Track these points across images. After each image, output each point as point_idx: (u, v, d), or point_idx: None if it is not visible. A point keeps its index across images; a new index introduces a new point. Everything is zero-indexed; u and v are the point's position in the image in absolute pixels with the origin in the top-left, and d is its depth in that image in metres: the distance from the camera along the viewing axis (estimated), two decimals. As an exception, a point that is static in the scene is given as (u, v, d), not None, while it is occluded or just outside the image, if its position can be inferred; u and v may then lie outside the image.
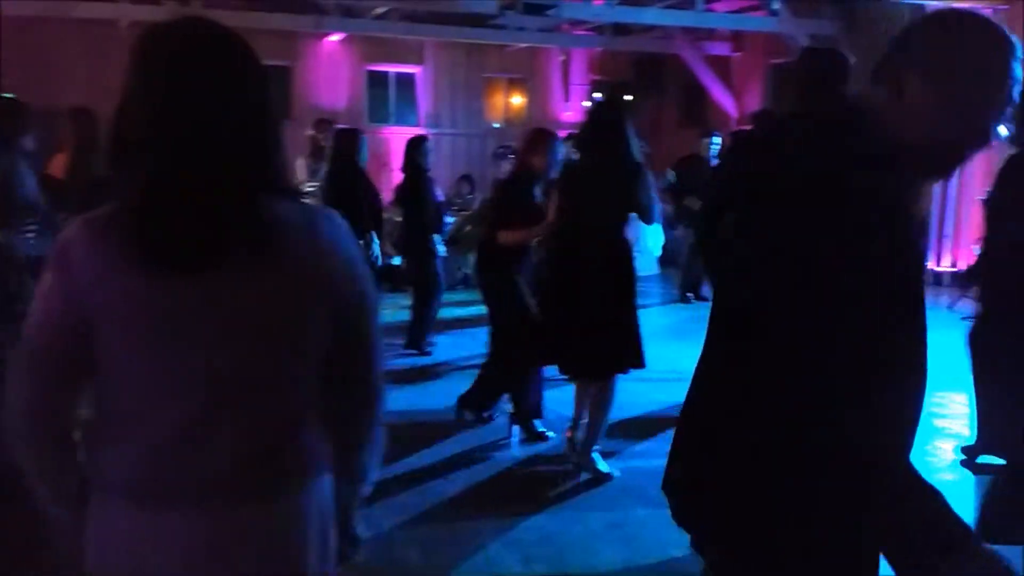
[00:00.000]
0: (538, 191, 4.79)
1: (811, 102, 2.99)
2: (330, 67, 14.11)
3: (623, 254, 4.21)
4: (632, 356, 4.19)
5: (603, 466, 4.35)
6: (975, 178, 9.55)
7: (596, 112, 4.60)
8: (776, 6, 11.68)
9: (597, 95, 15.96)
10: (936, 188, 10.46)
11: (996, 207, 4.22)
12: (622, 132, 4.11)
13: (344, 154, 6.11)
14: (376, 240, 6.12)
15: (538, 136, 4.88)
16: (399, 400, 5.53)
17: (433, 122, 14.28)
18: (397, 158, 7.47)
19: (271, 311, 1.34)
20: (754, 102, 13.92)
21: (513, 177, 4.90)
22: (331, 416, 1.47)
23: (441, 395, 5.54)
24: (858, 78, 10.59)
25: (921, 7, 10.07)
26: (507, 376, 4.94)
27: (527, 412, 4.80)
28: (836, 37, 12.46)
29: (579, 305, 4.15)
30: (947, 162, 1.46)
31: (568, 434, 4.49)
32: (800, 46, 12.20)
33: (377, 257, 6.15)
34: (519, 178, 4.80)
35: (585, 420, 4.39)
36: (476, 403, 5.06)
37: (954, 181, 10.17)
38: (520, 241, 4.72)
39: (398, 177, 7.40)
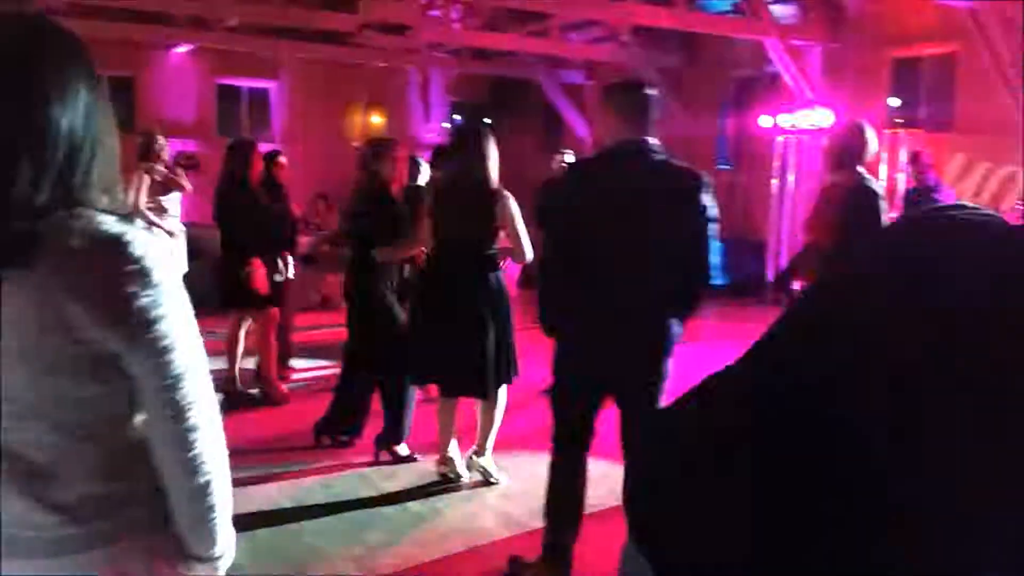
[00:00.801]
0: (398, 198, 4.80)
1: (625, 133, 3.14)
2: (177, 79, 13.57)
3: (491, 271, 4.24)
4: (508, 368, 4.26)
5: (494, 471, 4.40)
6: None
7: (457, 133, 4.65)
8: (625, 38, 12.14)
9: (457, 117, 16.10)
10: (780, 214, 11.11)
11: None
12: (482, 153, 4.16)
13: (234, 169, 5.84)
14: (259, 266, 5.70)
15: (378, 146, 4.88)
16: (251, 426, 5.36)
17: (289, 138, 13.96)
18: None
19: (23, 335, 1.17)
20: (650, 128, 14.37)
21: (368, 190, 4.79)
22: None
23: (296, 418, 5.41)
24: (695, 107, 11.04)
25: (760, 44, 10.73)
26: (363, 398, 4.86)
27: (396, 435, 4.72)
28: (680, 69, 13.09)
29: (453, 324, 4.14)
30: None
31: (440, 460, 4.45)
32: (647, 75, 12.75)
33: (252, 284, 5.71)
34: (373, 191, 4.74)
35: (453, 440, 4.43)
36: (334, 427, 4.94)
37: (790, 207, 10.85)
38: (396, 258, 4.67)
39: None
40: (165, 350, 1.22)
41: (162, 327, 1.22)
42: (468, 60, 14.46)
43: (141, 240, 1.22)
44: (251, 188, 5.83)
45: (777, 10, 10.74)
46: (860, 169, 4.08)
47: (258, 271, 5.64)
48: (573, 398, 3.24)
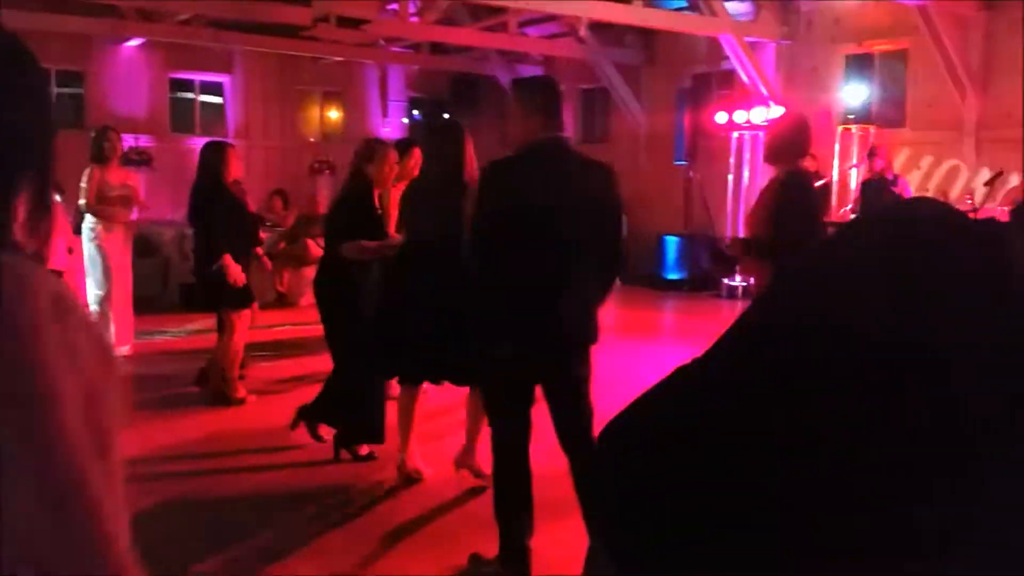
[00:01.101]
0: (376, 202, 4.73)
1: (544, 130, 3.22)
2: (129, 73, 13.32)
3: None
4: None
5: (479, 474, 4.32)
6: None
7: (431, 130, 4.62)
8: (583, 34, 12.18)
9: (415, 112, 16.02)
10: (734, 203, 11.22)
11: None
12: (458, 150, 4.15)
13: (208, 169, 5.73)
14: (231, 264, 5.57)
15: (372, 145, 4.83)
16: (209, 424, 5.29)
17: (243, 133, 13.78)
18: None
19: None
20: (566, 124, 14.41)
21: (349, 188, 4.76)
22: None
23: (256, 417, 5.34)
24: (653, 103, 11.11)
25: (716, 40, 10.83)
26: (348, 393, 4.77)
27: (357, 433, 4.67)
28: (638, 65, 13.18)
29: (440, 317, 4.07)
30: None
31: (408, 460, 4.39)
32: (606, 71, 12.82)
33: (229, 281, 5.58)
34: (356, 189, 4.69)
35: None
36: (315, 415, 4.82)
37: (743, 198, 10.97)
38: (363, 254, 4.62)
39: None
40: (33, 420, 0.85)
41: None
42: (426, 55, 14.39)
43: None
44: (229, 188, 5.77)
45: (732, 7, 10.85)
46: (799, 162, 4.13)
47: (232, 267, 5.55)
48: (508, 394, 3.28)
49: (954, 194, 8.63)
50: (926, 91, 9.83)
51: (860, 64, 10.74)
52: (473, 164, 4.17)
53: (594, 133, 14.44)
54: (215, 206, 5.68)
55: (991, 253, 1.06)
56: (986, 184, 7.70)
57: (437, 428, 4.91)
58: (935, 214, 1.17)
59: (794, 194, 3.94)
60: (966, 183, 9.04)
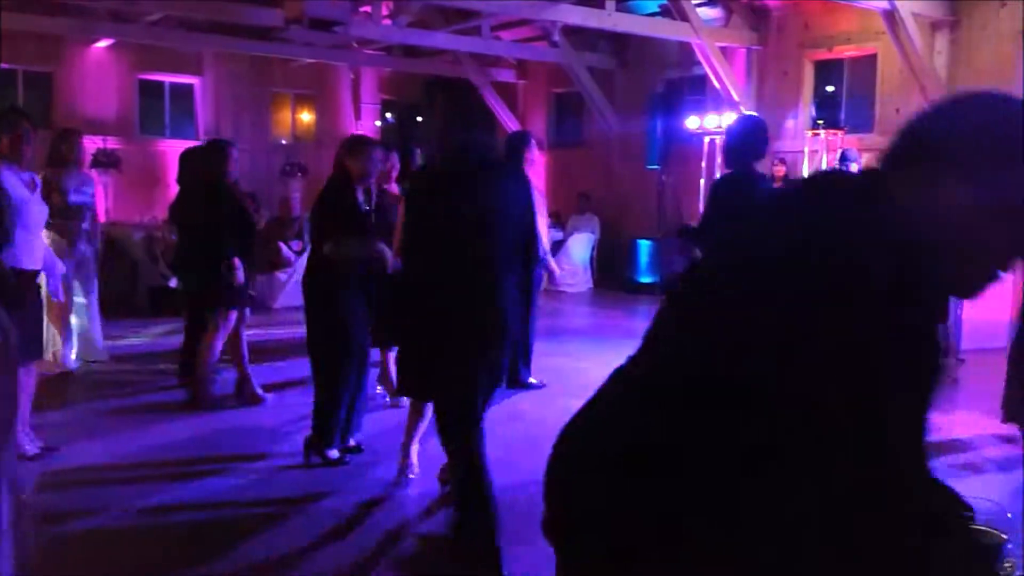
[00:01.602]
0: (362, 200, 4.66)
1: (464, 133, 3.30)
2: (98, 74, 13.17)
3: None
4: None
5: None
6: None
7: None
8: (557, 38, 12.21)
9: (388, 115, 15.96)
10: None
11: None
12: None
13: (210, 169, 5.66)
14: (239, 265, 5.54)
15: (356, 142, 4.76)
16: (172, 432, 5.23)
17: (214, 135, 13.67)
18: (174, 172, 7.03)
19: None
20: (539, 128, 14.46)
21: (331, 184, 4.64)
22: None
23: (228, 419, 5.29)
24: (626, 107, 11.16)
25: (688, 46, 10.90)
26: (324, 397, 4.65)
27: (330, 438, 4.62)
28: (611, 70, 13.23)
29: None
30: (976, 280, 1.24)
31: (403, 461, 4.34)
32: (579, 76, 12.86)
33: (235, 282, 5.54)
34: (337, 185, 4.63)
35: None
36: (321, 441, 4.64)
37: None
38: (344, 255, 4.51)
39: (174, 191, 6.98)
40: None
41: None
42: (399, 58, 14.35)
43: None
44: (231, 189, 5.72)
45: (704, 13, 10.92)
46: (751, 164, 4.18)
47: (240, 270, 5.53)
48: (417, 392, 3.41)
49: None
50: (894, 96, 9.96)
51: (829, 69, 10.86)
52: None
53: (567, 137, 14.48)
54: (221, 207, 5.59)
55: (862, 203, 1.18)
56: (952, 189, 7.79)
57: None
58: (818, 178, 1.32)
59: (718, 192, 4.06)
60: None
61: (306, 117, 15.39)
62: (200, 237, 5.73)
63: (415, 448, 4.34)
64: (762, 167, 10.82)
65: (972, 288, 1.22)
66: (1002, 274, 1.19)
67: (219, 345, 5.72)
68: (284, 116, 15.28)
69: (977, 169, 1.16)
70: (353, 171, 4.58)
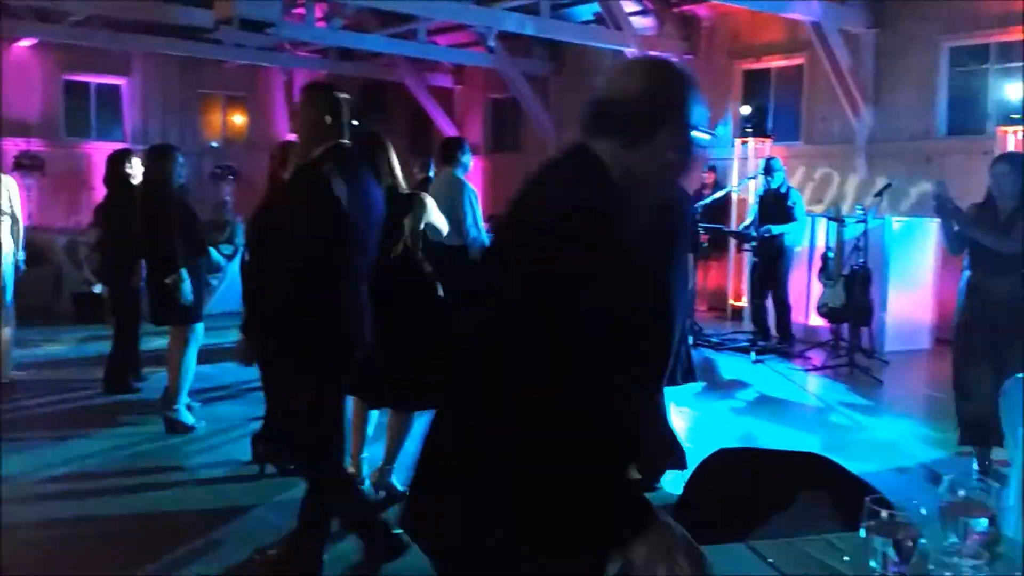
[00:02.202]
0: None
1: (336, 137, 3.18)
2: (21, 75, 12.74)
3: (419, 277, 4.15)
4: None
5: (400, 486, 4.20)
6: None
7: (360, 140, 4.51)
8: (493, 44, 12.24)
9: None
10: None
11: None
12: (389, 160, 4.10)
13: (153, 176, 5.42)
14: (185, 278, 5.22)
15: (286, 148, 4.65)
16: (100, 441, 5.09)
17: (141, 138, 13.34)
18: (100, 175, 6.83)
19: None
20: (475, 133, 14.48)
21: (266, 194, 4.44)
22: None
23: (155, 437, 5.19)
24: (562, 114, 11.25)
25: (622, 54, 11.04)
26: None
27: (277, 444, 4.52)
28: (547, 76, 13.32)
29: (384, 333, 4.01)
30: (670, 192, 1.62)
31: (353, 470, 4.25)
32: (515, 82, 12.91)
33: (184, 297, 5.24)
34: (271, 194, 4.49)
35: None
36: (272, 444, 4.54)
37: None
38: None
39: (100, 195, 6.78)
40: None
41: None
42: (334, 61, 14.22)
43: None
44: (177, 194, 5.43)
45: (637, 22, 11.08)
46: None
47: (186, 282, 5.22)
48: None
49: (847, 205, 8.99)
50: (820, 106, 10.24)
51: (758, 79, 11.11)
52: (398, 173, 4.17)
53: (504, 143, 14.53)
54: (168, 214, 5.29)
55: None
56: (876, 195, 8.05)
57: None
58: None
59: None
60: (858, 195, 9.43)
61: (238, 119, 15.14)
62: (132, 243, 5.56)
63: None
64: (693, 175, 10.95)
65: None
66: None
67: (191, 364, 5.43)
68: (215, 118, 15.00)
69: (640, 126, 1.49)
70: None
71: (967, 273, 4.77)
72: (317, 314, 3.09)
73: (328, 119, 3.17)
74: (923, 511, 1.32)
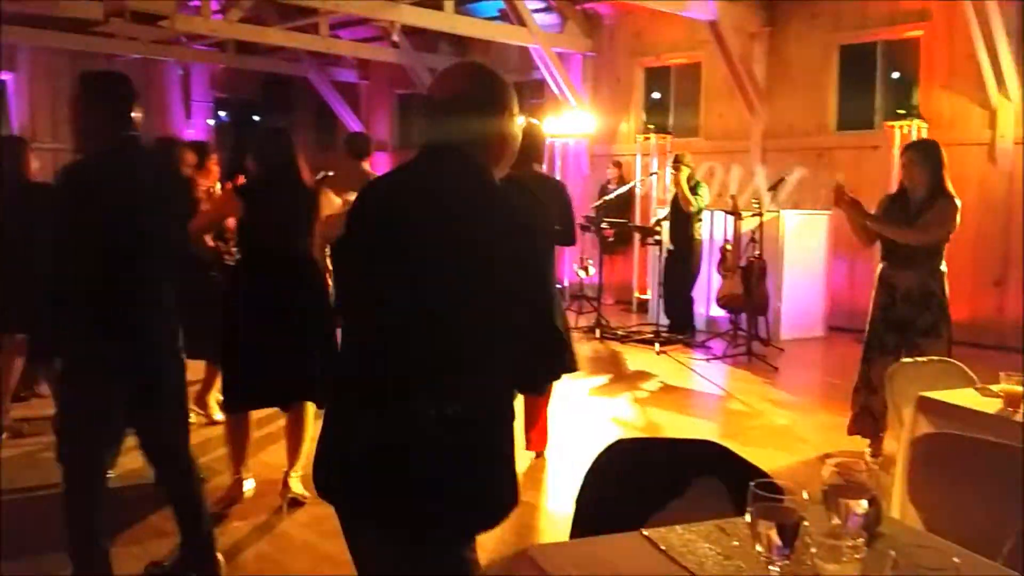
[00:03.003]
0: None
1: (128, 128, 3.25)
2: None
3: (312, 276, 4.06)
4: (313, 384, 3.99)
5: (300, 489, 4.09)
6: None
7: (262, 136, 4.42)
8: (397, 38, 12.14)
9: (222, 113, 15.37)
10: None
11: None
12: (291, 154, 4.05)
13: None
14: None
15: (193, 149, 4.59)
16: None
17: (29, 135, 12.72)
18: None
19: None
20: (382, 129, 14.33)
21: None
22: None
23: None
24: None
25: (527, 51, 11.10)
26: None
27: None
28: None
29: (279, 330, 3.90)
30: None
31: (238, 476, 4.15)
32: (421, 77, 12.84)
33: None
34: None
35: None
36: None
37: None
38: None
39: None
40: None
41: None
42: (233, 54, 13.84)
43: None
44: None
45: (541, 19, 11.16)
46: (535, 165, 4.49)
47: None
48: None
49: (743, 199, 9.27)
50: (718, 103, 10.52)
51: (659, 76, 11.34)
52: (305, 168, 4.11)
53: (412, 138, 14.41)
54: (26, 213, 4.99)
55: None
56: (770, 189, 8.32)
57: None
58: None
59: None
60: (754, 189, 9.74)
61: (133, 114, 14.58)
62: None
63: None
64: (598, 170, 11.09)
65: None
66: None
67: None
68: (108, 114, 14.41)
69: (458, 119, 1.86)
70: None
71: (880, 265, 4.73)
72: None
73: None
74: (805, 495, 1.36)
